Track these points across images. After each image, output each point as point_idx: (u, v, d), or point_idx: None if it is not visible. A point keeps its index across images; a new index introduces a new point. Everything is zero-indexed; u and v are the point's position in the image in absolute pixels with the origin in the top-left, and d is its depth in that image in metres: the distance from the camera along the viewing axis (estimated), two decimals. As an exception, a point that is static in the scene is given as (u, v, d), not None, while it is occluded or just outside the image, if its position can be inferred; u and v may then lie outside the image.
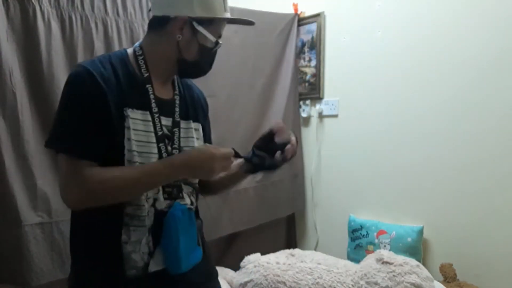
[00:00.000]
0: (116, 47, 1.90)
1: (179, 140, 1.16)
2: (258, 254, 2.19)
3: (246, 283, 2.02)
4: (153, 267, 1.09)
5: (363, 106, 2.50)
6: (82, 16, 1.80)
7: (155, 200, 1.10)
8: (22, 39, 1.65)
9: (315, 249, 2.78)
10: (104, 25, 1.87)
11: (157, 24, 1.12)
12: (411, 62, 2.26)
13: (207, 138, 1.32)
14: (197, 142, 1.22)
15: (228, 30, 2.36)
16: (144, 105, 1.09)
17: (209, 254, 1.31)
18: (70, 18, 1.76)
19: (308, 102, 2.81)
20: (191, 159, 1.05)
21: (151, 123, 1.10)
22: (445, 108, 2.14)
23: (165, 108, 1.14)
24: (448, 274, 2.06)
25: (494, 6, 1.95)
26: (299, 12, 2.78)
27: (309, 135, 2.83)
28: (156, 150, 1.10)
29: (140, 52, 1.14)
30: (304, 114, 2.83)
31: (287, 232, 2.97)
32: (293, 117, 2.79)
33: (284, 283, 1.96)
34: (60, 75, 1.74)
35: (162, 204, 1.11)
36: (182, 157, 1.06)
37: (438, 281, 2.03)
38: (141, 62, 1.12)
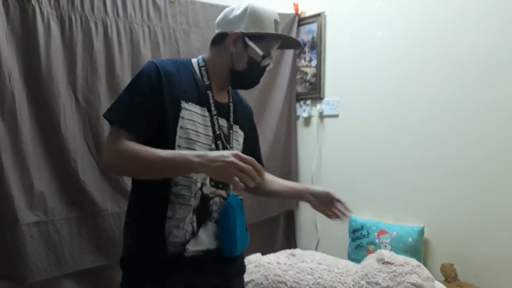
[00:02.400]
0: (116, 48, 1.91)
1: (232, 141, 1.34)
2: (259, 254, 2.19)
3: (246, 283, 2.02)
4: (192, 246, 1.23)
5: (364, 106, 2.50)
6: (82, 17, 1.80)
7: (202, 184, 1.25)
8: (21, 40, 1.65)
9: (316, 249, 2.78)
10: (104, 26, 1.87)
11: (217, 39, 1.32)
12: (412, 62, 2.26)
13: (249, 148, 1.44)
14: (238, 146, 1.38)
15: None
16: (203, 103, 1.27)
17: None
18: (69, 19, 1.77)
19: (308, 102, 2.80)
20: (207, 156, 1.10)
21: (209, 120, 1.27)
22: (446, 108, 2.13)
23: (222, 110, 1.32)
24: (448, 274, 2.06)
25: (495, 6, 1.95)
26: (299, 12, 2.78)
27: (309, 135, 2.83)
28: (214, 146, 1.27)
29: (203, 64, 1.33)
30: (304, 114, 2.82)
31: (287, 232, 2.97)
32: (288, 117, 2.80)
33: (285, 283, 1.96)
34: (59, 76, 1.75)
35: (208, 189, 1.26)
36: (201, 153, 1.13)
37: (439, 281, 2.03)
38: (203, 71, 1.31)
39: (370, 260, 2.02)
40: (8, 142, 1.61)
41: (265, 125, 2.66)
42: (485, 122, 2.00)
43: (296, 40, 1.48)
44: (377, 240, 2.33)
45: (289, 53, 2.75)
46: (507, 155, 1.94)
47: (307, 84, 2.80)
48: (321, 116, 2.74)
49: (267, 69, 1.35)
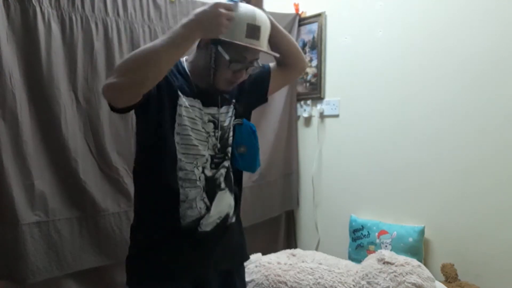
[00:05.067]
0: (116, 48, 1.91)
1: (219, 124, 1.38)
2: (259, 254, 2.19)
3: (247, 283, 2.02)
4: (205, 220, 1.34)
5: (364, 106, 2.50)
6: (82, 17, 1.80)
7: (203, 168, 1.33)
8: (22, 40, 1.66)
9: (316, 249, 2.78)
10: (104, 26, 1.87)
11: (198, 42, 1.32)
12: (412, 62, 2.26)
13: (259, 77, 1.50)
14: (228, 123, 1.41)
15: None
16: (193, 94, 1.32)
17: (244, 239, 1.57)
18: (70, 18, 1.77)
19: (309, 102, 2.80)
20: (198, 14, 1.13)
21: (196, 108, 1.32)
22: (447, 108, 2.13)
23: (209, 99, 1.35)
24: (449, 274, 2.05)
25: (495, 6, 1.94)
26: (300, 12, 2.78)
27: (310, 135, 2.83)
28: (205, 128, 1.34)
29: (188, 63, 1.37)
30: (305, 114, 2.82)
31: (287, 232, 2.97)
32: (289, 118, 2.80)
33: (285, 283, 1.96)
34: (60, 76, 1.75)
35: (209, 172, 1.35)
36: (191, 17, 1.14)
37: (439, 281, 2.03)
38: (188, 68, 1.36)
39: (370, 260, 2.02)
40: (8, 142, 1.61)
41: (266, 125, 2.66)
42: (485, 122, 2.00)
43: (273, 54, 1.39)
44: (377, 240, 2.32)
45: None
46: (508, 155, 1.94)
47: (308, 84, 2.80)
48: (322, 116, 2.74)
49: (248, 72, 1.34)
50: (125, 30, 1.94)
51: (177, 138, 1.29)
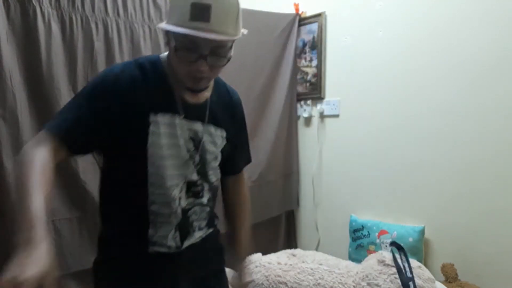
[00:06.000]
0: (117, 48, 1.90)
1: (205, 145, 1.19)
2: (260, 254, 2.19)
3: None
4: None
5: (365, 106, 2.50)
6: (83, 17, 1.80)
7: (180, 198, 1.16)
8: (22, 40, 1.65)
9: (317, 249, 2.78)
10: (105, 26, 1.87)
11: None
12: (412, 62, 2.26)
13: (231, 151, 1.30)
14: (214, 147, 1.23)
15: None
16: (171, 108, 1.11)
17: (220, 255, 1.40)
18: (70, 19, 1.76)
19: (309, 102, 2.80)
20: (20, 253, 0.89)
21: (178, 127, 1.13)
22: (447, 108, 2.13)
23: (194, 112, 1.16)
24: (449, 274, 2.06)
25: (496, 6, 1.94)
26: (300, 12, 2.78)
27: (310, 135, 2.83)
28: (185, 152, 1.15)
29: (164, 60, 1.16)
30: (305, 114, 2.82)
31: (288, 232, 2.97)
32: (289, 118, 2.80)
33: (286, 284, 1.96)
34: (60, 76, 1.75)
35: (185, 201, 1.18)
36: (22, 238, 0.91)
37: (440, 281, 2.03)
38: (166, 68, 1.14)
39: (371, 261, 2.02)
40: (9, 142, 1.60)
41: (266, 125, 2.66)
42: (485, 122, 2.00)
43: (223, 39, 1.03)
44: (377, 240, 2.32)
45: (290, 54, 2.75)
46: (508, 155, 1.94)
47: (308, 84, 2.79)
48: (322, 116, 2.74)
49: (213, 63, 1.06)
50: (125, 30, 1.94)
51: (150, 169, 1.10)
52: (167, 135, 1.11)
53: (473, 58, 2.02)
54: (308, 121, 2.85)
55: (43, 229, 0.88)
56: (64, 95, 1.76)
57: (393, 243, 2.02)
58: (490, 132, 1.99)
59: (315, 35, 2.72)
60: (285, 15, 2.71)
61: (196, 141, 1.17)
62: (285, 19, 2.71)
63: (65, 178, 1.79)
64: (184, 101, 1.14)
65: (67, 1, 1.75)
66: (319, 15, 2.69)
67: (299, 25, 2.79)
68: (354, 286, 1.92)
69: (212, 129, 1.21)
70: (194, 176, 1.18)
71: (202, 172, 1.20)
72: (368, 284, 1.90)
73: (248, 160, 1.47)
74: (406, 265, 1.88)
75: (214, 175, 1.25)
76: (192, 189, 1.19)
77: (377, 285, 1.88)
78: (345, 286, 1.92)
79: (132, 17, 1.96)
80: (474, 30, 2.02)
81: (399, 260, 1.90)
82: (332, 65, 2.68)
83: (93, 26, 1.83)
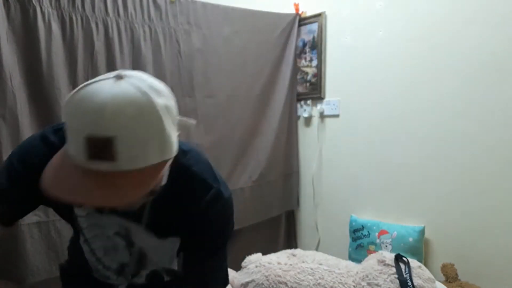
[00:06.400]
0: (117, 48, 1.90)
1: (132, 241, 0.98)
2: (260, 254, 2.19)
3: (247, 283, 2.02)
4: None
5: (365, 106, 2.50)
6: (83, 17, 1.80)
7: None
8: (22, 40, 1.65)
9: (317, 249, 2.78)
10: (105, 26, 1.87)
11: None
12: (412, 62, 2.25)
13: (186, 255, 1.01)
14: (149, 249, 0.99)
15: (229, 30, 2.40)
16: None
17: None
18: (70, 18, 1.76)
19: (309, 102, 2.80)
20: None
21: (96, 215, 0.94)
22: (447, 108, 2.13)
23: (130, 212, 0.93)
24: (449, 274, 2.06)
25: (496, 6, 1.94)
26: (300, 12, 2.78)
27: (310, 135, 2.83)
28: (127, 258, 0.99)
29: None
30: (305, 114, 2.82)
31: (288, 232, 2.97)
32: (289, 118, 2.80)
33: (286, 284, 1.96)
34: (60, 76, 1.75)
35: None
36: None
37: (440, 281, 2.03)
38: None
39: (371, 261, 2.02)
40: (9, 142, 1.61)
41: (266, 126, 2.66)
42: (485, 122, 2.00)
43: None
44: (377, 240, 2.32)
45: (290, 54, 2.75)
46: (508, 155, 1.94)
47: (308, 84, 2.79)
48: (322, 116, 2.74)
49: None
50: (126, 30, 1.94)
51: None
52: (91, 226, 0.96)
53: (473, 58, 2.02)
54: (308, 121, 2.85)
55: None
56: (64, 95, 1.76)
57: (398, 256, 1.98)
58: (491, 132, 1.99)
59: (315, 35, 2.72)
60: (285, 15, 2.71)
61: (125, 236, 0.97)
62: (285, 19, 2.71)
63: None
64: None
65: (67, 1, 1.75)
66: (319, 15, 2.69)
67: (299, 25, 2.79)
68: (354, 286, 1.92)
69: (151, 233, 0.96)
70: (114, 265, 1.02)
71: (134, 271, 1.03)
72: (368, 284, 1.90)
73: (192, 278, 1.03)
74: (408, 278, 1.86)
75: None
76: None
77: (377, 285, 1.88)
78: (345, 286, 1.92)
79: (132, 17, 1.96)
80: (474, 30, 2.01)
81: (405, 275, 1.88)
82: (332, 65, 2.67)
83: (93, 26, 1.83)
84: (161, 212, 0.92)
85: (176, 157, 0.82)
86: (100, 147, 0.66)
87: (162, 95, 0.72)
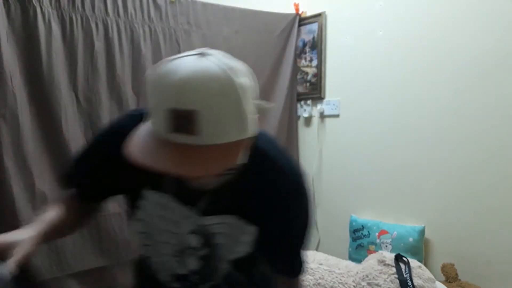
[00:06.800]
0: (117, 48, 1.91)
1: (215, 237, 0.95)
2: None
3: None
4: None
5: (365, 106, 2.50)
6: (83, 17, 1.80)
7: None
8: (22, 40, 1.66)
9: (317, 249, 2.78)
10: (105, 26, 1.87)
11: None
12: (413, 62, 2.26)
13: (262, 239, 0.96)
14: (224, 238, 0.95)
15: (228, 30, 2.40)
16: (161, 187, 0.92)
17: None
18: (70, 18, 1.77)
19: (309, 102, 2.80)
20: None
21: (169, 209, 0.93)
22: (447, 108, 2.13)
23: (186, 195, 0.91)
24: (449, 274, 2.06)
25: (496, 6, 1.94)
26: (300, 12, 2.78)
27: (310, 135, 2.83)
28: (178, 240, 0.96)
29: None
30: (305, 114, 2.82)
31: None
32: (289, 118, 2.80)
33: (286, 284, 1.96)
34: (60, 76, 1.75)
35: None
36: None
37: (440, 281, 2.03)
38: None
39: (371, 261, 2.02)
40: (9, 142, 1.61)
41: (266, 126, 2.66)
42: (485, 122, 2.00)
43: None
44: (378, 240, 2.32)
45: (290, 54, 2.75)
46: (507, 155, 1.94)
47: (308, 84, 2.79)
48: (322, 116, 2.74)
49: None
50: (125, 30, 1.94)
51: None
52: (158, 216, 0.94)
53: (473, 58, 2.02)
54: (308, 121, 2.85)
55: (38, 225, 0.91)
56: (64, 95, 1.76)
57: (398, 256, 1.99)
58: (490, 132, 1.99)
59: (315, 35, 2.72)
60: (285, 15, 2.72)
61: (199, 233, 0.94)
62: (285, 19, 2.71)
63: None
64: (180, 184, 0.87)
65: (67, 1, 1.75)
66: (319, 15, 2.69)
67: (299, 25, 2.79)
68: (354, 286, 1.92)
69: (213, 219, 0.94)
70: (184, 271, 0.99)
71: (208, 270, 0.99)
72: (368, 284, 1.90)
73: (286, 271, 1.05)
74: (408, 278, 1.87)
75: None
76: (181, 283, 1.01)
77: (377, 285, 1.88)
78: (345, 286, 1.92)
79: (132, 17, 1.96)
80: (474, 30, 2.02)
81: (405, 275, 1.88)
82: (332, 65, 2.68)
83: (93, 26, 1.83)
84: (241, 196, 0.91)
85: (253, 141, 0.83)
86: (183, 121, 0.68)
87: (243, 75, 0.74)
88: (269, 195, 0.91)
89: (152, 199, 0.92)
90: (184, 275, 0.99)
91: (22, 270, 0.84)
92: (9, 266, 0.80)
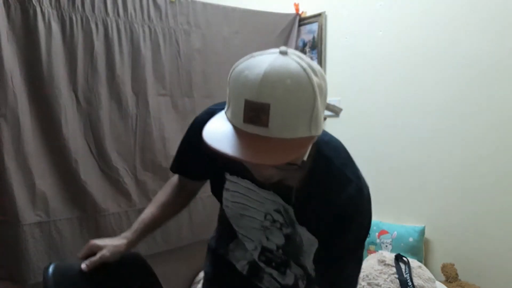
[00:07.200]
0: (117, 48, 1.90)
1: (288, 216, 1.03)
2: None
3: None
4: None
5: (365, 106, 2.50)
6: (83, 17, 1.80)
7: (253, 255, 1.16)
8: (22, 40, 1.65)
9: (317, 249, 2.78)
10: (105, 26, 1.87)
11: None
12: (413, 62, 2.25)
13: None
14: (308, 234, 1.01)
15: (228, 30, 2.40)
16: (243, 173, 1.00)
17: None
18: (70, 19, 1.76)
19: (309, 102, 2.80)
20: None
21: (252, 192, 1.04)
22: (447, 108, 2.13)
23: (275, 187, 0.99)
24: (449, 274, 2.05)
25: (496, 6, 1.94)
26: (300, 12, 2.78)
27: (310, 135, 2.82)
28: (261, 219, 1.06)
29: None
30: (305, 114, 2.82)
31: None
32: None
33: (286, 284, 1.96)
34: (60, 76, 1.75)
35: (257, 261, 1.16)
36: None
37: (440, 281, 2.03)
38: None
39: (371, 261, 2.02)
40: (10, 142, 1.61)
41: None
42: (485, 122, 2.00)
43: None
44: (378, 240, 2.32)
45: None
46: (508, 155, 1.94)
47: (308, 84, 2.79)
48: (322, 116, 2.73)
49: (265, 168, 0.85)
50: (125, 30, 1.94)
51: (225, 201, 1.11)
52: (239, 196, 1.06)
53: (473, 57, 2.02)
54: (308, 121, 2.84)
55: (131, 231, 1.15)
56: (64, 95, 1.76)
57: (398, 256, 1.99)
58: (490, 131, 1.99)
59: (315, 35, 2.72)
60: (285, 15, 2.71)
61: (284, 215, 1.02)
62: (285, 19, 2.71)
63: (66, 179, 1.79)
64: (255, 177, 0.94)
65: (67, 1, 1.75)
66: (319, 15, 2.69)
67: (299, 25, 2.79)
68: (354, 286, 1.92)
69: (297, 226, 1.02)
70: (271, 245, 1.09)
71: (288, 251, 1.08)
72: (368, 284, 1.90)
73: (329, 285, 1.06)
74: (409, 278, 1.87)
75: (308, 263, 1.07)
76: (267, 254, 1.13)
77: (377, 285, 1.88)
78: (345, 286, 1.92)
79: (132, 17, 1.96)
80: (474, 30, 2.01)
81: (405, 275, 1.89)
82: (332, 65, 2.67)
83: (93, 26, 1.83)
84: (304, 201, 0.97)
85: (317, 146, 0.93)
86: (256, 112, 0.72)
87: (319, 75, 0.77)
88: (329, 201, 0.94)
89: (235, 182, 1.04)
90: (270, 250, 1.09)
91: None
92: (85, 264, 1.05)
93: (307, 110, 0.74)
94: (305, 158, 0.83)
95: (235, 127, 0.76)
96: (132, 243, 1.13)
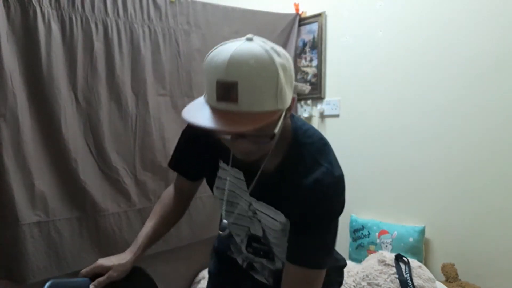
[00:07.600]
0: (116, 48, 1.90)
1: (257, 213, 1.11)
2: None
3: (247, 283, 2.02)
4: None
5: (365, 106, 2.50)
6: (82, 17, 1.80)
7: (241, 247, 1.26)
8: (22, 40, 1.65)
9: (317, 249, 2.78)
10: (104, 26, 1.87)
11: None
12: (413, 62, 2.26)
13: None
14: (272, 221, 1.07)
15: (229, 30, 2.39)
16: (233, 162, 1.09)
17: None
18: (70, 19, 1.76)
19: (309, 102, 2.80)
20: None
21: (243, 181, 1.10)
22: (447, 108, 2.13)
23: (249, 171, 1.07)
24: (449, 274, 2.05)
25: (496, 6, 1.94)
26: (300, 12, 2.78)
27: (310, 135, 2.82)
28: (246, 207, 1.13)
29: None
30: (305, 114, 2.82)
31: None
32: (290, 117, 2.79)
33: (286, 284, 1.95)
34: (60, 77, 1.74)
35: (246, 253, 1.26)
36: None
37: (440, 281, 2.03)
38: None
39: (371, 261, 2.02)
40: (9, 142, 1.61)
41: None
42: (485, 122, 2.00)
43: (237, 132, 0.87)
44: (378, 240, 2.32)
45: (290, 53, 2.75)
46: (508, 155, 1.94)
47: (308, 84, 2.79)
48: (322, 116, 2.74)
49: (256, 141, 0.91)
50: (125, 30, 1.93)
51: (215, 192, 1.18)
52: (230, 184, 1.13)
53: (474, 58, 2.02)
54: (308, 121, 2.85)
55: (135, 246, 1.20)
56: (64, 95, 1.76)
57: (398, 256, 1.99)
58: (490, 132, 1.99)
59: (315, 35, 2.72)
60: (285, 15, 2.71)
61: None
62: (285, 19, 2.70)
63: (65, 178, 1.79)
64: (235, 163, 1.09)
65: (67, 1, 1.75)
66: (319, 15, 2.69)
67: (299, 25, 2.79)
68: (354, 286, 1.92)
69: (260, 204, 1.08)
70: (259, 232, 1.16)
71: (265, 238, 1.15)
72: (369, 284, 1.90)
73: (299, 261, 1.05)
74: (409, 278, 1.87)
75: (279, 251, 1.15)
76: (253, 245, 1.21)
77: (377, 285, 1.88)
78: (345, 285, 1.92)
79: (132, 17, 1.95)
80: (474, 30, 2.02)
81: (405, 275, 1.89)
82: (333, 65, 2.68)
83: (93, 26, 1.83)
84: (277, 185, 1.03)
85: (295, 134, 1.03)
86: (226, 90, 0.81)
87: (282, 56, 0.86)
88: (298, 184, 1.00)
89: (226, 169, 1.11)
90: (258, 238, 1.17)
91: None
92: (93, 285, 1.10)
93: (272, 86, 0.83)
94: (276, 130, 0.89)
95: (211, 106, 0.85)
96: (137, 258, 1.19)
